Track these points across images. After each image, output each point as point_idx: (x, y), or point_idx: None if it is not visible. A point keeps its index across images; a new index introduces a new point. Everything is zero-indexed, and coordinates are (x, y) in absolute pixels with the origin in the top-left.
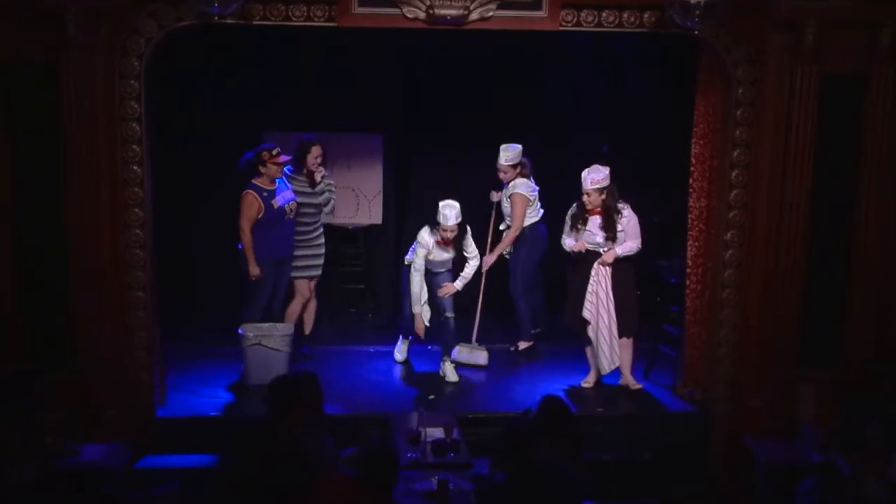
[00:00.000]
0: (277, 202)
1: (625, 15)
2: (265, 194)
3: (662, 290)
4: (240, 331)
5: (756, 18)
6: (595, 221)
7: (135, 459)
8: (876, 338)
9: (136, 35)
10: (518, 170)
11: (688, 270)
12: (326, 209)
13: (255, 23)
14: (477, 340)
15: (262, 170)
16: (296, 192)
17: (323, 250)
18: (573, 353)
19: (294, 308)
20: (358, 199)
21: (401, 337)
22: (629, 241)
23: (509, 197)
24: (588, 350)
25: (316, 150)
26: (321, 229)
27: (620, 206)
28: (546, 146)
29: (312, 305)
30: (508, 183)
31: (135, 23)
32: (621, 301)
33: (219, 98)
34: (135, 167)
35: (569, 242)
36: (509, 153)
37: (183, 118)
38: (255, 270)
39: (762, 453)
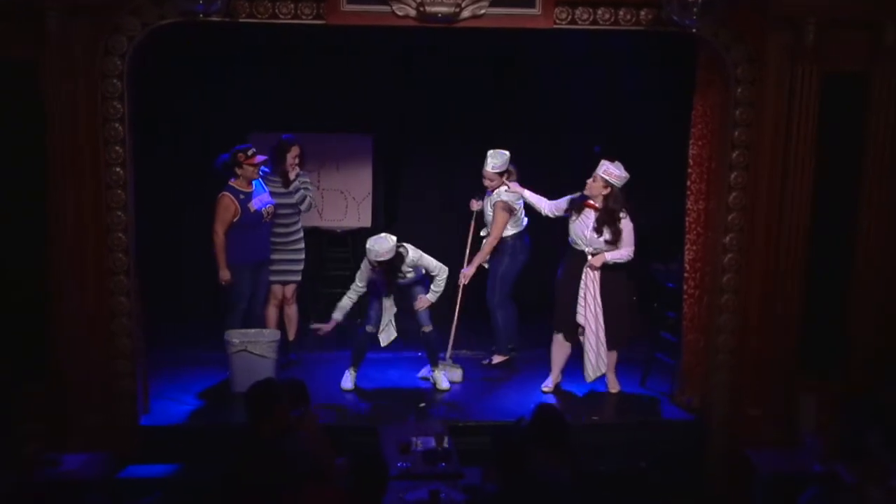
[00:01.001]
0: (254, 205)
1: (621, 12)
2: (242, 197)
3: (659, 295)
4: (225, 337)
5: (755, 16)
6: (589, 216)
7: (117, 469)
8: (879, 344)
9: (119, 33)
10: (504, 178)
11: (685, 275)
12: (303, 207)
13: (240, 20)
14: (451, 357)
15: (238, 171)
16: (271, 194)
17: (302, 255)
18: (569, 361)
19: (270, 313)
20: (346, 201)
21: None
22: (622, 247)
23: (493, 204)
24: (555, 352)
25: (295, 150)
26: (300, 233)
27: (622, 214)
28: (539, 147)
29: (293, 311)
30: (493, 191)
31: (117, 21)
32: (610, 310)
33: (204, 98)
34: (118, 169)
35: (546, 204)
36: (496, 160)
37: (167, 119)
38: (225, 275)
39: (762, 463)
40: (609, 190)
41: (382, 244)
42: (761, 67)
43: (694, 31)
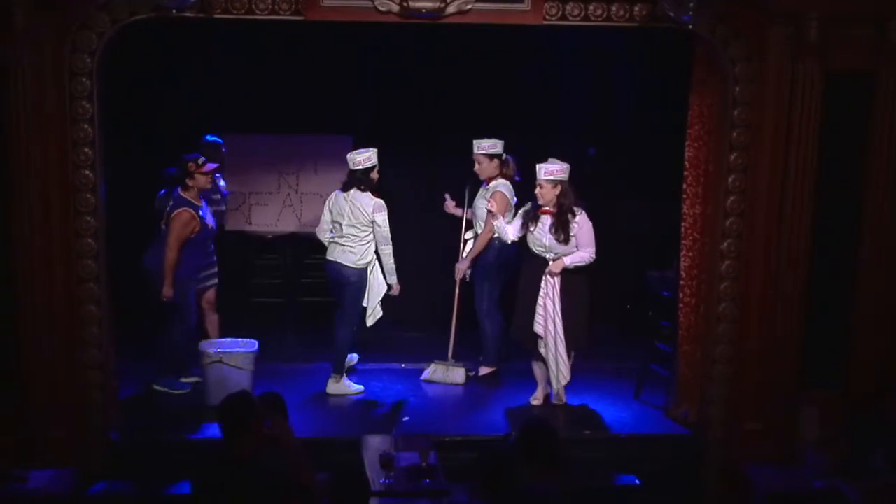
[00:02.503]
0: (209, 221)
1: (613, 8)
2: (199, 210)
3: (654, 304)
4: (200, 347)
5: (754, 11)
6: (546, 222)
7: (86, 486)
8: (885, 354)
9: (88, 30)
10: (495, 163)
11: (681, 283)
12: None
13: (215, 16)
14: (453, 357)
15: (189, 182)
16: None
17: (216, 258)
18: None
19: None
20: None
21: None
22: (581, 250)
23: (491, 195)
24: (535, 366)
25: (211, 149)
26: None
27: (576, 209)
28: (529, 149)
29: (215, 318)
30: (488, 180)
31: (86, 17)
32: (570, 315)
33: (176, 98)
34: (87, 171)
35: (504, 228)
36: (484, 141)
37: (138, 119)
38: (169, 292)
39: (761, 479)
40: (560, 188)
41: (361, 152)
42: (761, 65)
43: (690, 27)
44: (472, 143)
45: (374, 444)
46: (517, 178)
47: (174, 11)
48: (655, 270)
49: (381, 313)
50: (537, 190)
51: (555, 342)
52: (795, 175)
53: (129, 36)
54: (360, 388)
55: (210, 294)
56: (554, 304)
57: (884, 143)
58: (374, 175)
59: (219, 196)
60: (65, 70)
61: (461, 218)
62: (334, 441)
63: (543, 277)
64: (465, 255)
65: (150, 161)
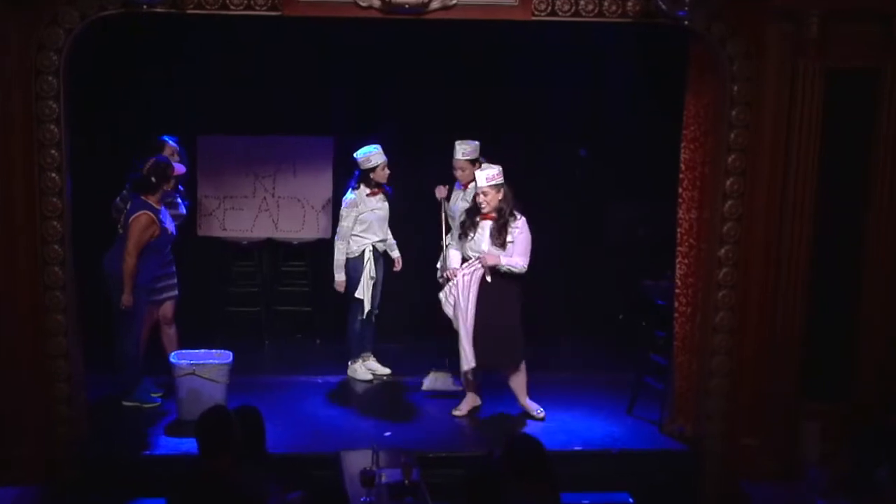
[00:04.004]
0: (169, 226)
1: (605, 3)
2: (159, 215)
3: (648, 314)
4: (172, 359)
5: (753, 7)
6: (485, 228)
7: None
8: (889, 366)
9: (55, 26)
10: (476, 167)
11: (676, 291)
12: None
13: (188, 12)
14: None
15: (165, 186)
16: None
17: (174, 268)
18: (547, 385)
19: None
20: (304, 210)
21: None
22: (516, 255)
23: (481, 192)
24: (464, 375)
25: (168, 149)
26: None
27: (517, 213)
28: (517, 151)
29: (172, 331)
30: (465, 185)
31: (53, 12)
32: (504, 328)
33: (148, 97)
34: (53, 175)
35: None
36: (466, 146)
37: (108, 120)
38: (129, 300)
39: (760, 497)
40: (502, 193)
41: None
42: (759, 63)
43: (685, 23)
44: (453, 148)
45: (354, 460)
46: None
47: (145, 7)
48: (649, 278)
49: (369, 307)
50: (481, 198)
51: (465, 326)
52: (796, 178)
53: (97, 33)
54: (370, 375)
55: (167, 307)
56: (469, 295)
57: (889, 144)
58: (378, 174)
59: (176, 200)
60: (30, 68)
61: (440, 224)
62: (312, 457)
63: (470, 265)
64: (449, 260)
65: (117, 162)
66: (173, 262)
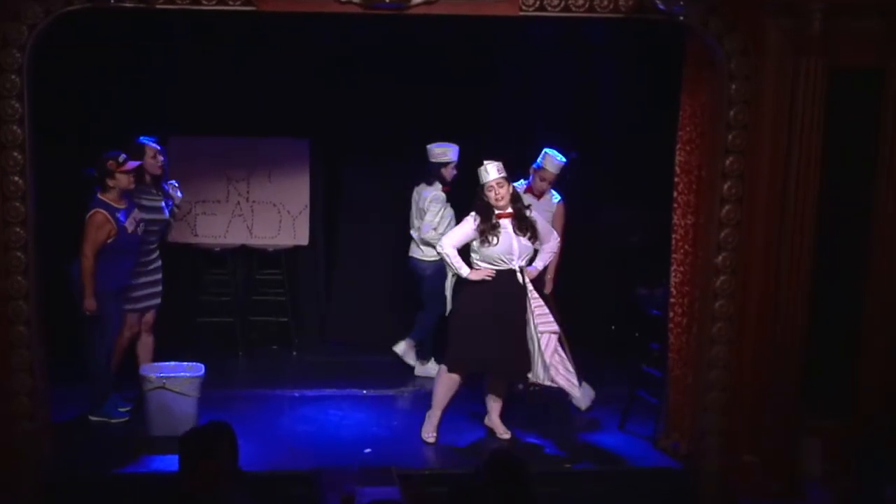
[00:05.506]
0: (129, 226)
1: None
2: (117, 214)
3: (642, 324)
4: (141, 372)
5: (752, 1)
6: (507, 227)
7: None
8: (895, 380)
9: (18, 21)
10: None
11: (671, 300)
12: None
13: (158, 7)
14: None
15: (110, 183)
16: (143, 208)
17: (160, 275)
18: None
19: (119, 344)
20: (280, 215)
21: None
22: (546, 242)
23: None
24: (444, 386)
25: (150, 151)
26: (157, 251)
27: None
28: (504, 153)
29: (149, 340)
30: (540, 195)
31: (16, 7)
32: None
33: (117, 97)
34: (16, 178)
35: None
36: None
37: (75, 120)
38: (91, 304)
39: None
40: (511, 187)
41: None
42: (759, 61)
43: (681, 18)
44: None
45: (334, 479)
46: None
47: (112, 1)
48: (643, 287)
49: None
50: (496, 192)
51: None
52: (797, 182)
53: (63, 29)
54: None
55: (149, 315)
56: (533, 315)
57: (894, 147)
58: (448, 171)
59: (157, 204)
60: None
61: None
62: (288, 475)
63: (525, 290)
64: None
65: (85, 164)
66: (159, 269)
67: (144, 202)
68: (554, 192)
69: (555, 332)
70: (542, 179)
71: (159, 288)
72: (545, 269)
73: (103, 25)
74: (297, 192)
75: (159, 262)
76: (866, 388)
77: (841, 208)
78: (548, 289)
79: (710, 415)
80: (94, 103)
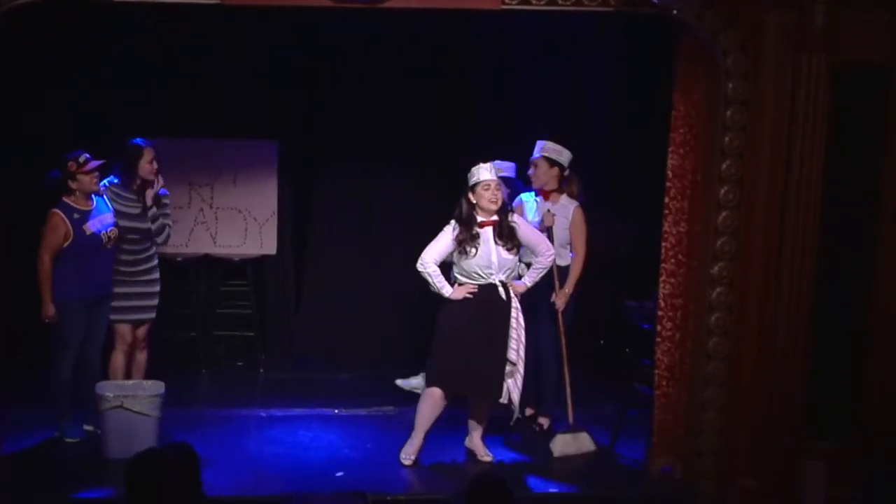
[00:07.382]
0: (90, 228)
1: None
2: (76, 216)
3: (632, 339)
4: (97, 390)
5: None
6: (487, 235)
7: None
8: None
9: None
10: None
11: (660, 314)
12: (159, 239)
13: (118, 0)
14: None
15: (72, 185)
16: (120, 214)
17: (157, 287)
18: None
19: (116, 361)
20: (246, 223)
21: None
22: (539, 250)
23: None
24: (427, 408)
25: (149, 154)
26: (154, 260)
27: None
28: (486, 153)
29: (142, 357)
30: (546, 195)
31: None
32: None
33: (74, 97)
34: None
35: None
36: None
37: (32, 121)
38: (49, 311)
39: None
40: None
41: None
42: (757, 58)
43: (674, 12)
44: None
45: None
46: None
47: None
48: (633, 299)
49: None
50: (492, 194)
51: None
52: (798, 186)
53: (20, 21)
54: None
55: (141, 330)
56: (518, 332)
57: None
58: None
59: (135, 211)
60: None
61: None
62: (255, 500)
63: (509, 305)
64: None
65: (42, 166)
66: (155, 281)
67: (121, 208)
68: (566, 196)
69: (512, 363)
70: (536, 167)
71: (154, 301)
72: (565, 282)
73: (57, 22)
74: (265, 197)
75: (156, 275)
76: (872, 409)
77: (845, 214)
78: (559, 304)
79: (706, 436)
80: (52, 104)
